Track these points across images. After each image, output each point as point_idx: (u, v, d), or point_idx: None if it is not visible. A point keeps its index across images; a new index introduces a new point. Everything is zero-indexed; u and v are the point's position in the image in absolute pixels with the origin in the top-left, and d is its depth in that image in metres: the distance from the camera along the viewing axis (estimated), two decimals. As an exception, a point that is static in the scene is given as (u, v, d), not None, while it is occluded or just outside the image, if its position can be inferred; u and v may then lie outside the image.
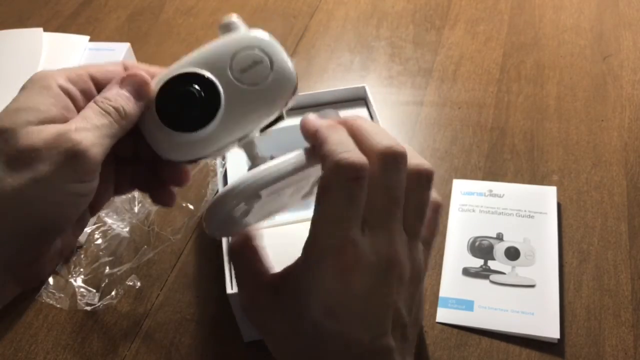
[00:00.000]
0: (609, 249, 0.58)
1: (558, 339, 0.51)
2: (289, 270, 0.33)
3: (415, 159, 0.33)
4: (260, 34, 0.35)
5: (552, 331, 0.52)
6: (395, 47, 0.83)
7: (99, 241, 0.61)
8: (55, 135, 0.29)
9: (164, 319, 0.55)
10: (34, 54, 0.67)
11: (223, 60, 0.34)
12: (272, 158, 0.34)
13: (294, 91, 0.35)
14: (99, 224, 0.62)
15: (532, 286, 0.55)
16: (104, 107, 0.32)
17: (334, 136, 0.32)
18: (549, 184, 0.64)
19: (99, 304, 0.56)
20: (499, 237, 0.59)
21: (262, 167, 0.32)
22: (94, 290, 0.57)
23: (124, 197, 0.63)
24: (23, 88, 0.32)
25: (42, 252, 0.31)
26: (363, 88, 0.64)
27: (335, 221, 0.30)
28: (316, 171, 0.33)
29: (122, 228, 0.62)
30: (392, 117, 0.73)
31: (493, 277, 0.56)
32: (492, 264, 0.57)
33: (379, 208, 0.31)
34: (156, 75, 0.34)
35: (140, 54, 0.83)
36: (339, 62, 0.82)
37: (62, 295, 0.57)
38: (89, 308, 0.56)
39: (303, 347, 0.32)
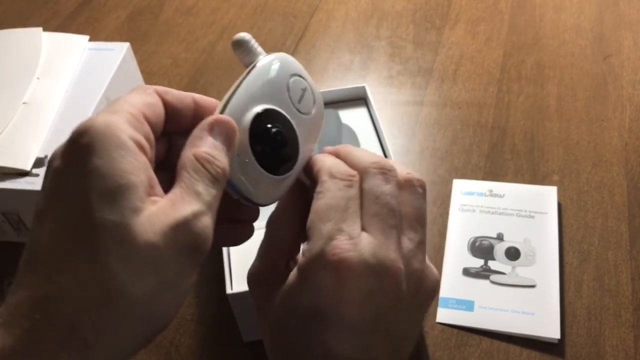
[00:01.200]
0: (610, 249, 0.58)
1: (558, 339, 0.51)
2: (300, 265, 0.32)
3: (406, 170, 0.33)
4: (289, 58, 0.34)
5: (552, 331, 0.52)
6: (396, 47, 0.83)
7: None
8: (173, 227, 0.25)
9: (164, 319, 0.55)
10: (34, 54, 0.67)
11: (282, 91, 0.33)
12: None
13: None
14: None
15: (533, 286, 0.55)
16: (213, 172, 0.27)
17: (326, 159, 0.34)
18: (550, 184, 0.64)
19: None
20: (499, 237, 0.59)
21: None
22: (94, 291, 0.57)
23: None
24: (92, 148, 0.24)
25: None
26: (363, 88, 0.64)
27: (333, 218, 0.30)
28: None
29: (122, 228, 0.61)
30: (392, 117, 0.73)
31: (493, 277, 0.56)
32: (492, 264, 0.57)
33: (375, 218, 0.31)
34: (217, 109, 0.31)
35: (140, 54, 0.83)
36: (339, 62, 0.82)
37: (62, 295, 0.57)
38: (88, 308, 0.56)
39: (286, 344, 0.32)
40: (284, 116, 0.33)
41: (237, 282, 0.49)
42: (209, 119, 0.29)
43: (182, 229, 0.25)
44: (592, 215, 0.61)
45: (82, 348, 0.23)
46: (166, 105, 0.30)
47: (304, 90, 0.34)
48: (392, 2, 0.91)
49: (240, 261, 0.50)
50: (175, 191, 0.26)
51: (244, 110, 0.31)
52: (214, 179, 0.27)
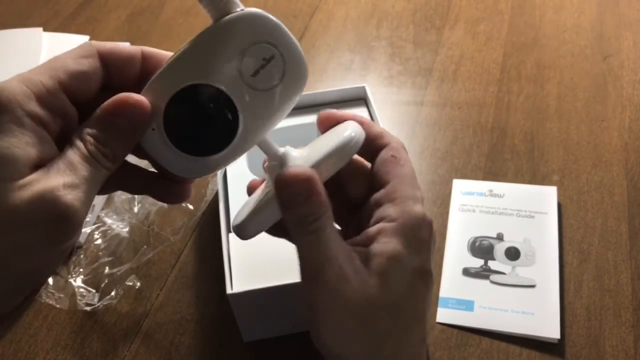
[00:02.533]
0: (610, 249, 0.58)
1: (558, 339, 0.51)
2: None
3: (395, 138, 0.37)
4: (267, 19, 0.30)
5: (552, 331, 0.52)
6: (396, 47, 0.83)
7: (99, 241, 0.61)
8: (40, 196, 0.26)
9: (164, 319, 0.55)
10: (34, 54, 0.67)
11: (230, 62, 0.29)
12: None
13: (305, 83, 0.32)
14: (99, 224, 0.62)
15: (533, 286, 0.55)
16: (93, 152, 0.28)
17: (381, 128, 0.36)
18: (549, 184, 0.64)
19: (99, 304, 0.56)
20: (499, 237, 0.59)
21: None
22: (94, 291, 0.57)
23: (123, 197, 0.63)
24: None
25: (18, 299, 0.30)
26: (363, 88, 0.64)
27: (417, 184, 0.34)
28: None
29: (122, 228, 0.62)
30: (392, 117, 0.73)
31: (493, 277, 0.56)
32: (492, 264, 0.57)
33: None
34: (154, 79, 0.30)
35: (140, 54, 0.83)
36: (339, 62, 0.82)
37: (62, 295, 0.57)
38: (88, 308, 0.56)
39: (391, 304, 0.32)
40: (224, 95, 0.29)
41: (237, 282, 0.49)
42: (112, 100, 0.29)
43: (48, 197, 0.26)
44: (592, 215, 0.61)
45: None
46: (108, 66, 0.31)
47: (268, 60, 0.29)
48: (392, 2, 0.91)
49: (240, 261, 0.50)
50: (56, 162, 0.27)
51: (170, 83, 0.29)
52: (94, 159, 0.28)
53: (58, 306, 0.56)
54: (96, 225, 0.62)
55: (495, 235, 0.59)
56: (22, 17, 0.93)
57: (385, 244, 0.31)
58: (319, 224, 0.30)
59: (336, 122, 0.35)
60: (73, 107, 0.29)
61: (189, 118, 0.29)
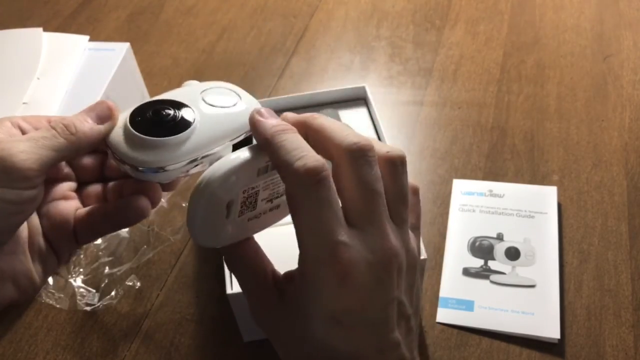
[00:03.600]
0: (610, 249, 0.58)
1: (558, 339, 0.51)
2: (290, 276, 0.33)
3: (384, 147, 0.32)
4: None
5: (552, 331, 0.52)
6: (395, 47, 0.83)
7: (99, 241, 0.61)
8: None
9: (164, 319, 0.55)
10: (34, 54, 0.67)
11: (194, 93, 0.36)
12: None
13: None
14: (99, 224, 0.62)
15: (533, 286, 0.55)
16: (52, 124, 0.32)
17: (286, 143, 0.30)
18: (549, 184, 0.64)
19: (99, 304, 0.56)
20: (499, 237, 0.59)
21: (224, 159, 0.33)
22: (94, 291, 0.57)
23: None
24: None
25: None
26: (363, 88, 0.64)
27: (316, 230, 0.29)
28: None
29: (122, 228, 0.61)
30: (392, 117, 0.73)
31: (493, 277, 0.56)
32: (492, 264, 0.57)
33: (360, 205, 0.30)
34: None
35: (140, 54, 0.83)
36: (339, 62, 0.82)
37: (62, 295, 0.57)
38: (88, 308, 0.56)
39: (313, 353, 0.31)
40: (182, 103, 0.35)
41: (237, 282, 0.49)
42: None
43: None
44: (592, 215, 0.61)
45: None
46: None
47: (225, 95, 0.36)
48: (392, 2, 0.91)
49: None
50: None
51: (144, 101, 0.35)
52: (51, 127, 0.32)
53: (58, 306, 0.56)
54: (96, 225, 0.62)
55: (495, 235, 0.59)
56: (22, 17, 0.93)
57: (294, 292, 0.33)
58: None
59: (257, 136, 0.34)
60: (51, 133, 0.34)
61: (149, 115, 0.34)
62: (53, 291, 0.57)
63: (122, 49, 0.70)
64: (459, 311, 0.54)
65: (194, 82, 0.38)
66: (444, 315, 0.54)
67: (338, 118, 0.61)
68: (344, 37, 0.86)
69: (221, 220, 0.33)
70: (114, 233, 0.61)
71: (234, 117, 0.35)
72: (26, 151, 0.30)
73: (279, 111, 0.66)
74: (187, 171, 0.35)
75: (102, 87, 0.65)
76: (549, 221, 0.60)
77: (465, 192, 0.63)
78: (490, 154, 0.68)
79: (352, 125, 0.60)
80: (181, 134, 0.33)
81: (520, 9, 0.88)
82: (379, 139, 0.61)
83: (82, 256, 0.60)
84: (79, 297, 0.57)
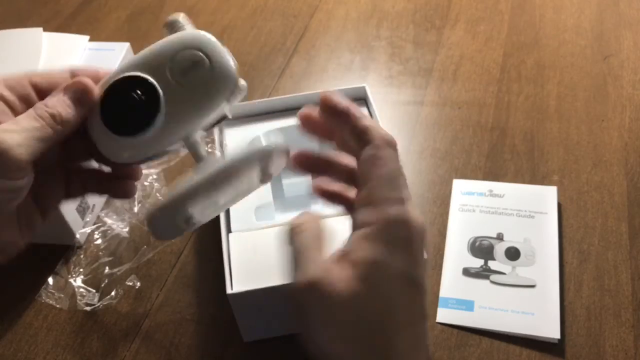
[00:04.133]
0: (609, 249, 0.58)
1: (558, 339, 0.51)
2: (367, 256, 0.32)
3: (389, 135, 0.35)
4: (201, 34, 0.36)
5: (552, 331, 0.52)
6: (395, 47, 0.83)
7: (99, 241, 0.61)
8: None
9: (164, 319, 0.55)
10: (34, 54, 0.67)
11: (163, 62, 0.35)
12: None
13: (234, 89, 0.36)
14: (99, 224, 0.62)
15: (533, 286, 0.55)
16: (39, 113, 0.33)
17: (364, 116, 0.35)
18: (549, 184, 0.64)
19: (99, 304, 0.56)
20: (499, 237, 0.59)
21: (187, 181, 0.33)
22: (94, 291, 0.57)
23: (123, 197, 0.63)
24: None
25: None
26: (363, 88, 0.64)
27: (395, 185, 0.33)
28: (251, 163, 0.34)
29: (122, 228, 0.62)
30: (392, 117, 0.73)
31: (493, 277, 0.56)
32: (492, 264, 0.57)
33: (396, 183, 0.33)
34: (104, 78, 0.35)
35: (140, 54, 0.83)
36: (339, 62, 0.82)
37: (62, 295, 0.57)
38: (88, 308, 0.56)
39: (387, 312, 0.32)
40: (149, 83, 0.34)
41: (237, 282, 0.49)
42: (70, 82, 0.35)
43: None
44: (592, 215, 0.61)
45: None
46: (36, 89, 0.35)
47: (196, 63, 0.35)
48: (392, 2, 0.91)
49: (240, 261, 0.50)
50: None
51: (110, 78, 0.35)
52: (38, 116, 0.32)
53: (58, 306, 0.56)
54: (96, 225, 0.62)
55: (495, 235, 0.59)
56: (22, 17, 0.93)
57: (364, 251, 0.31)
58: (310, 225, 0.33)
59: (333, 106, 0.35)
60: (36, 98, 0.34)
61: (117, 102, 0.34)
62: (53, 291, 0.57)
63: (122, 49, 0.70)
64: (459, 311, 0.54)
65: (179, 21, 0.38)
66: (443, 315, 0.54)
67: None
68: (344, 37, 0.86)
69: (179, 227, 0.35)
70: (114, 233, 0.61)
71: (203, 98, 0.35)
72: (21, 144, 0.31)
73: (279, 111, 0.66)
74: (165, 155, 0.36)
75: (102, 87, 0.65)
76: (549, 221, 0.60)
77: (465, 192, 0.63)
78: (490, 154, 0.68)
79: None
80: (150, 128, 0.34)
81: (520, 9, 0.88)
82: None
83: (82, 256, 0.60)
84: (79, 297, 0.57)
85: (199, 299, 0.57)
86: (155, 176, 0.65)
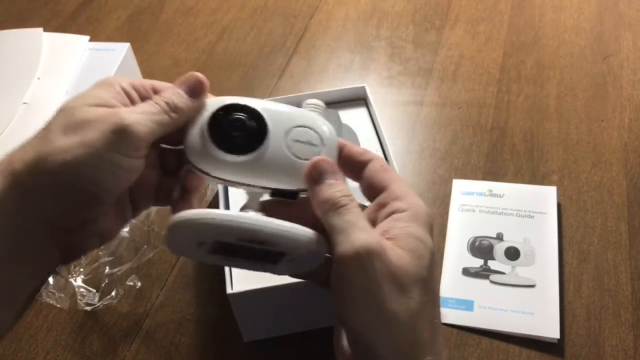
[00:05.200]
0: (609, 249, 0.58)
1: (558, 339, 0.51)
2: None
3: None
4: (333, 134, 0.37)
5: (552, 331, 0.52)
6: (395, 47, 0.83)
7: (99, 241, 0.61)
8: (106, 112, 0.33)
9: (164, 319, 0.55)
10: (34, 54, 0.67)
11: (286, 121, 0.36)
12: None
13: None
14: (99, 224, 0.62)
15: (532, 286, 0.55)
16: (155, 100, 0.35)
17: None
18: (549, 184, 0.64)
19: (99, 304, 0.56)
20: (499, 237, 0.59)
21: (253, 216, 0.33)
22: (94, 290, 0.57)
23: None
24: (90, 86, 0.35)
25: (83, 222, 0.34)
26: (363, 88, 0.64)
27: (407, 182, 0.37)
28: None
29: (122, 228, 0.62)
30: (392, 117, 0.73)
31: (493, 277, 0.56)
32: (492, 264, 0.57)
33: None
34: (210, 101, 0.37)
35: (140, 54, 0.83)
36: (339, 62, 0.82)
37: (62, 295, 0.57)
38: (89, 308, 0.56)
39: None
40: (261, 118, 0.36)
41: (237, 282, 0.49)
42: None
43: (112, 113, 0.33)
44: (592, 215, 0.61)
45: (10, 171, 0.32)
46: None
47: (311, 144, 0.36)
48: (392, 3, 0.91)
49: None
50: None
51: (229, 100, 0.37)
52: (155, 103, 0.35)
53: (58, 306, 0.56)
54: (96, 225, 0.62)
55: (495, 235, 0.59)
56: (22, 18, 0.93)
57: (407, 227, 0.34)
58: (353, 201, 0.34)
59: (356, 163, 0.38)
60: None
61: (229, 122, 0.36)
62: (53, 291, 0.57)
63: (122, 49, 0.70)
64: (459, 311, 0.54)
65: (314, 104, 0.39)
66: (443, 315, 0.54)
67: (338, 118, 0.61)
68: (344, 37, 0.86)
69: (193, 249, 0.35)
70: (114, 233, 0.61)
71: (294, 172, 0.36)
72: (141, 123, 0.33)
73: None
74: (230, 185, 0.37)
75: (102, 87, 0.65)
76: (548, 221, 0.60)
77: (465, 192, 0.64)
78: (490, 154, 0.68)
79: (352, 125, 0.61)
80: (253, 153, 0.35)
81: (520, 9, 0.88)
82: (379, 139, 0.61)
83: (82, 256, 0.60)
84: (79, 297, 0.57)
85: (198, 299, 0.57)
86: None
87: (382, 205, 0.36)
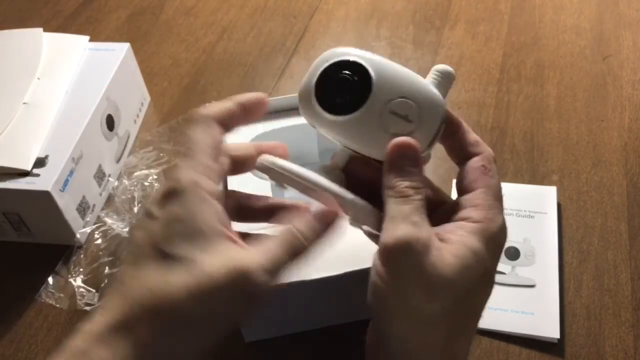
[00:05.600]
0: (609, 248, 0.58)
1: (558, 339, 0.51)
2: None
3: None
4: (443, 107, 0.35)
5: (552, 331, 0.52)
6: (395, 47, 0.83)
7: (99, 241, 0.61)
8: (234, 270, 0.29)
9: (164, 319, 0.55)
10: (34, 54, 0.67)
11: (393, 89, 0.35)
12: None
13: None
14: (99, 224, 0.62)
15: (532, 286, 0.55)
16: (292, 239, 0.32)
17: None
18: (549, 184, 0.64)
19: (99, 304, 0.56)
20: (499, 237, 0.59)
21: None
22: (94, 290, 0.57)
23: (123, 197, 0.63)
24: (174, 201, 0.31)
25: None
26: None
27: (501, 195, 0.37)
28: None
29: (122, 228, 0.62)
30: (392, 117, 0.73)
31: (493, 277, 0.56)
32: (492, 264, 0.57)
33: None
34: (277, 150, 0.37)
35: (140, 54, 0.83)
36: (339, 62, 0.82)
37: (62, 295, 0.57)
38: (88, 308, 0.56)
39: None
40: (361, 68, 0.36)
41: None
42: (318, 207, 0.34)
43: (242, 274, 0.29)
44: (592, 215, 0.61)
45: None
46: (223, 126, 0.35)
47: (407, 119, 0.35)
48: (392, 3, 0.91)
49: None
50: (257, 242, 0.31)
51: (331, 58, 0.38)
52: (289, 244, 0.32)
53: (58, 306, 0.56)
54: (96, 225, 0.62)
55: (495, 235, 0.59)
56: (22, 18, 0.93)
57: (465, 237, 0.33)
58: (418, 194, 0.33)
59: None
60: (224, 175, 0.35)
61: (334, 80, 0.36)
62: (53, 291, 0.57)
63: (122, 49, 0.70)
64: (459, 311, 0.54)
65: (441, 72, 0.37)
66: (443, 315, 0.54)
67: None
68: (344, 37, 0.86)
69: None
70: (114, 233, 0.61)
71: (386, 143, 0.35)
72: (271, 283, 0.30)
73: (279, 111, 0.65)
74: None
75: (102, 87, 0.65)
76: (548, 221, 0.60)
77: (465, 192, 0.63)
78: (490, 154, 0.68)
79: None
80: (359, 110, 0.35)
81: (520, 9, 0.88)
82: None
83: (82, 256, 0.60)
84: (79, 297, 0.57)
85: (199, 299, 0.57)
86: (155, 176, 0.65)
87: (459, 209, 0.35)
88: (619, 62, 0.78)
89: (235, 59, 0.84)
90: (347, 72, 0.36)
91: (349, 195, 0.34)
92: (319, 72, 0.36)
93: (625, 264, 0.57)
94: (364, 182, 0.37)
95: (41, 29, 0.71)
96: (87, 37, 0.71)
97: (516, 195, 0.62)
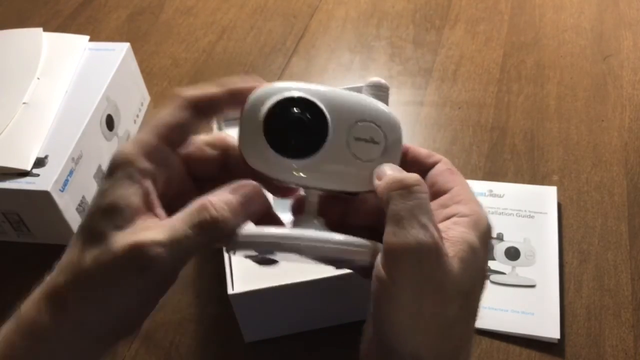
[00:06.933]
0: (609, 249, 0.58)
1: (558, 339, 0.51)
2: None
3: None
4: (397, 122, 0.34)
5: (552, 331, 0.52)
6: (395, 47, 0.83)
7: (99, 241, 0.61)
8: (132, 244, 0.30)
9: (164, 319, 0.55)
10: (34, 54, 0.67)
11: (348, 115, 0.33)
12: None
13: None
14: (99, 224, 0.62)
15: (532, 286, 0.55)
16: (201, 218, 0.31)
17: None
18: (549, 184, 0.64)
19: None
20: (499, 237, 0.59)
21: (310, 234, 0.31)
22: (94, 291, 0.57)
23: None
24: (107, 178, 0.32)
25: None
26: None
27: (472, 189, 0.36)
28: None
29: (122, 228, 0.61)
30: (392, 117, 0.73)
31: (493, 277, 0.56)
32: (492, 264, 0.57)
33: None
34: (253, 88, 0.36)
35: (140, 54, 0.83)
36: (339, 62, 0.82)
37: (62, 295, 0.57)
38: (88, 308, 0.56)
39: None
40: (314, 108, 0.33)
41: (238, 283, 0.49)
42: (238, 183, 0.33)
43: (137, 250, 0.30)
44: (592, 215, 0.61)
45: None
46: (199, 111, 0.35)
47: (374, 142, 0.33)
48: (392, 2, 0.91)
49: (240, 261, 0.50)
50: (164, 219, 0.32)
51: (289, 93, 0.34)
52: (197, 225, 0.31)
53: (58, 306, 0.56)
54: (96, 225, 0.62)
55: (495, 236, 0.59)
56: (22, 17, 0.93)
57: (465, 234, 0.32)
58: (424, 191, 0.32)
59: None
60: (174, 156, 0.34)
61: (286, 122, 0.33)
62: (53, 291, 0.57)
63: (122, 49, 0.70)
64: (459, 311, 0.54)
65: (376, 85, 0.35)
66: (444, 315, 0.54)
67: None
68: (344, 37, 0.86)
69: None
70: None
71: (360, 171, 0.33)
72: (170, 260, 0.30)
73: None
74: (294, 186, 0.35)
75: (102, 87, 0.65)
76: (548, 221, 0.60)
77: (465, 192, 0.63)
78: (490, 154, 0.68)
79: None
80: (316, 155, 0.32)
81: (520, 9, 0.88)
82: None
83: (82, 256, 0.60)
84: (79, 297, 0.57)
85: (199, 299, 0.57)
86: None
87: (444, 207, 0.34)
88: (619, 62, 0.78)
89: (235, 59, 0.84)
90: (295, 109, 0.33)
91: (339, 237, 0.32)
92: (262, 115, 0.33)
93: (626, 264, 0.57)
94: (335, 220, 0.36)
95: (41, 29, 0.71)
96: (87, 37, 0.71)
97: (516, 195, 0.62)
